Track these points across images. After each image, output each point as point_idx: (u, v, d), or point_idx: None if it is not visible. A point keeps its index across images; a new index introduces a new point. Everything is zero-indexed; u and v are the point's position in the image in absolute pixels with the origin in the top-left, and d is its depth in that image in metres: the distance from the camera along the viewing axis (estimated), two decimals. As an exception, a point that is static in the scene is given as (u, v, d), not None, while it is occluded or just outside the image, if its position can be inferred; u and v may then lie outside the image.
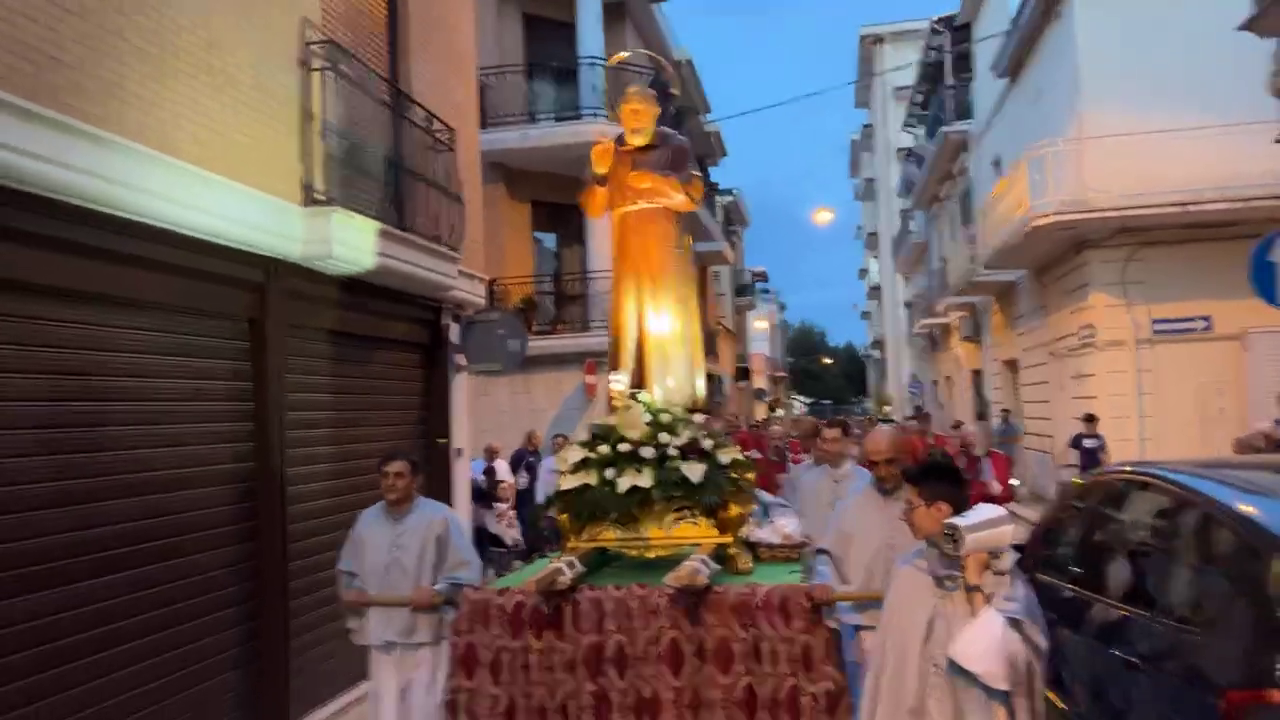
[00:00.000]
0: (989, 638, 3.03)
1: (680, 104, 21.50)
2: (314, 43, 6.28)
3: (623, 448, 4.68)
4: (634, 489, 4.59)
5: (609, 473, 4.64)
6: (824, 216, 27.88)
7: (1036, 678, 3.06)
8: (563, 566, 4.34)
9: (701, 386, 5.22)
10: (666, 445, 4.66)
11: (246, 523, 5.81)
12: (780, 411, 21.45)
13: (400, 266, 7.03)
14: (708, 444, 4.73)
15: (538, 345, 13.60)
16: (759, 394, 41.07)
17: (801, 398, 71.51)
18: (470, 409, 9.58)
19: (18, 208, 4.12)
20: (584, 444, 4.85)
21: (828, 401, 70.79)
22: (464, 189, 8.48)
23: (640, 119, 5.12)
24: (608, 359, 5.25)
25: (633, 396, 4.93)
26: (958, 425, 18.06)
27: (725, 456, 4.72)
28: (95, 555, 4.68)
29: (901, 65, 31.06)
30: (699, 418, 4.89)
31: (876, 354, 56.44)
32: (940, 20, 22.99)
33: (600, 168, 5.14)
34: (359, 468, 6.87)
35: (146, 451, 5.05)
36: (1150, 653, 3.64)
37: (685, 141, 5.32)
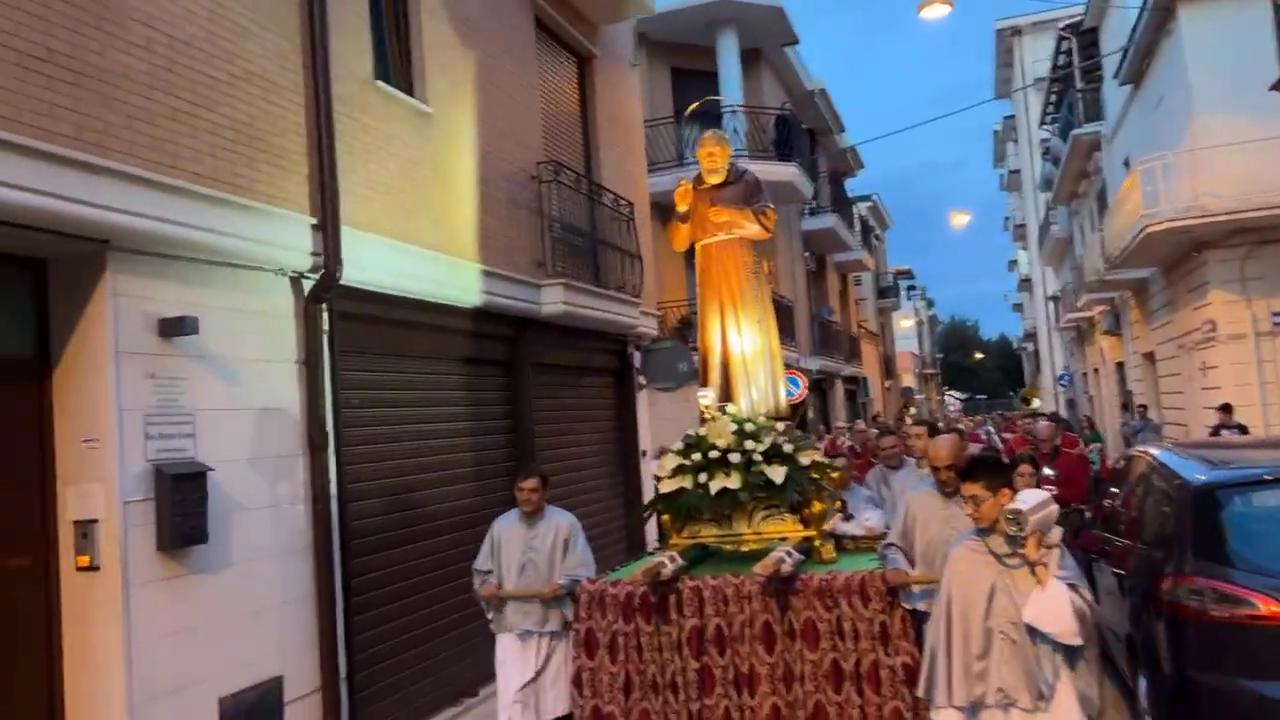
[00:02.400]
0: (1060, 603, 3.55)
1: (815, 125, 23.48)
2: (542, 162, 8.86)
3: (712, 455, 5.18)
4: (724, 491, 5.09)
5: (701, 477, 5.17)
6: (961, 219, 29.13)
7: (1095, 629, 3.68)
8: (665, 560, 4.88)
9: (783, 396, 5.81)
10: (751, 451, 5.15)
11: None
12: (914, 410, 22.77)
13: (601, 315, 9.52)
14: (788, 448, 5.24)
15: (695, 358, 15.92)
16: (906, 392, 42.20)
17: (955, 394, 71.12)
18: (649, 418, 12.02)
19: (390, 305, 6.75)
20: (679, 452, 5.36)
21: (983, 396, 70.05)
22: (640, 242, 10.93)
23: (715, 160, 5.66)
24: (699, 375, 5.84)
25: (721, 409, 5.47)
26: (1032, 418, 18.39)
27: (805, 459, 5.27)
28: (429, 524, 7.28)
29: (1038, 63, 31.78)
30: (781, 424, 5.47)
31: (1030, 346, 55.97)
32: (1068, 26, 23.99)
33: (682, 205, 5.70)
34: (579, 464, 9.43)
35: (450, 456, 7.65)
36: (1133, 568, 5.61)
37: (755, 177, 5.86)
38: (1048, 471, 8.39)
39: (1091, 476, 9.86)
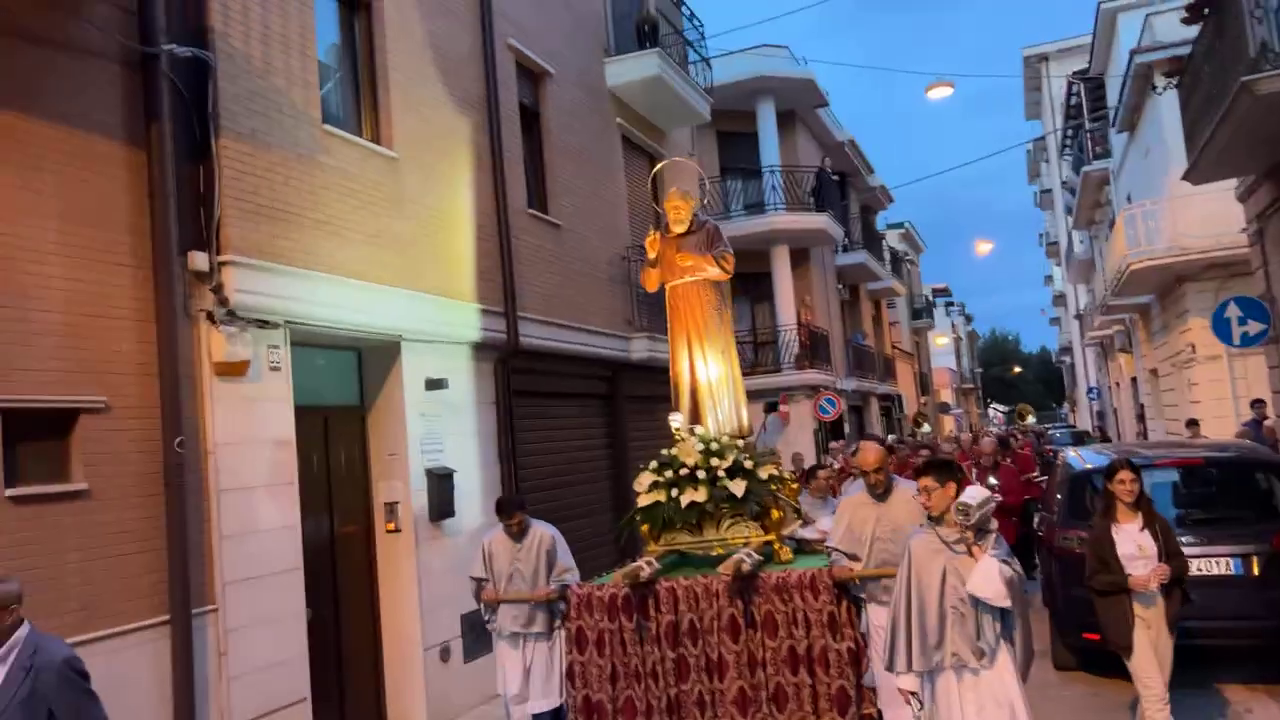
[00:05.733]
0: (991, 573, 4.22)
1: (847, 169, 26.56)
2: (630, 246, 12.14)
3: (682, 472, 5.87)
4: (692, 503, 5.78)
5: (673, 491, 5.85)
6: (984, 248, 31.94)
7: (1024, 594, 4.40)
8: (643, 565, 5.54)
9: (745, 417, 6.51)
10: (716, 468, 5.80)
11: (615, 498, 11.60)
12: (926, 427, 25.34)
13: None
14: (749, 464, 5.88)
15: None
16: (943, 408, 44.89)
17: (999, 406, 73.28)
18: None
19: (541, 359, 9.97)
20: (653, 470, 6.06)
21: (1024, 409, 71.71)
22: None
23: (680, 212, 6.39)
24: (671, 401, 6.52)
25: (690, 431, 6.09)
26: (976, 438, 16.99)
27: (764, 473, 5.96)
28: (570, 505, 10.46)
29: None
30: (742, 442, 6.16)
31: (1067, 360, 58.12)
32: (1076, 73, 26.91)
33: (651, 253, 6.45)
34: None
35: (579, 464, 10.86)
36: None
37: (715, 225, 6.58)
38: (992, 481, 9.82)
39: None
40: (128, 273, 5.65)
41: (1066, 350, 54.90)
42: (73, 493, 5.20)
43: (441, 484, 8.11)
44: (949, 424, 44.10)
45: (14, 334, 5.00)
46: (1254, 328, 11.70)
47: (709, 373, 6.37)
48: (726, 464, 5.88)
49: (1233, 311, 11.86)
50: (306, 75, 7.10)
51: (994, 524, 4.46)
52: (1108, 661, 7.25)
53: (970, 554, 4.34)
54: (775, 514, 6.05)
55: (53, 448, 5.21)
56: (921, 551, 4.49)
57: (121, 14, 5.78)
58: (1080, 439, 29.92)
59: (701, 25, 14.18)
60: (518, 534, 6.53)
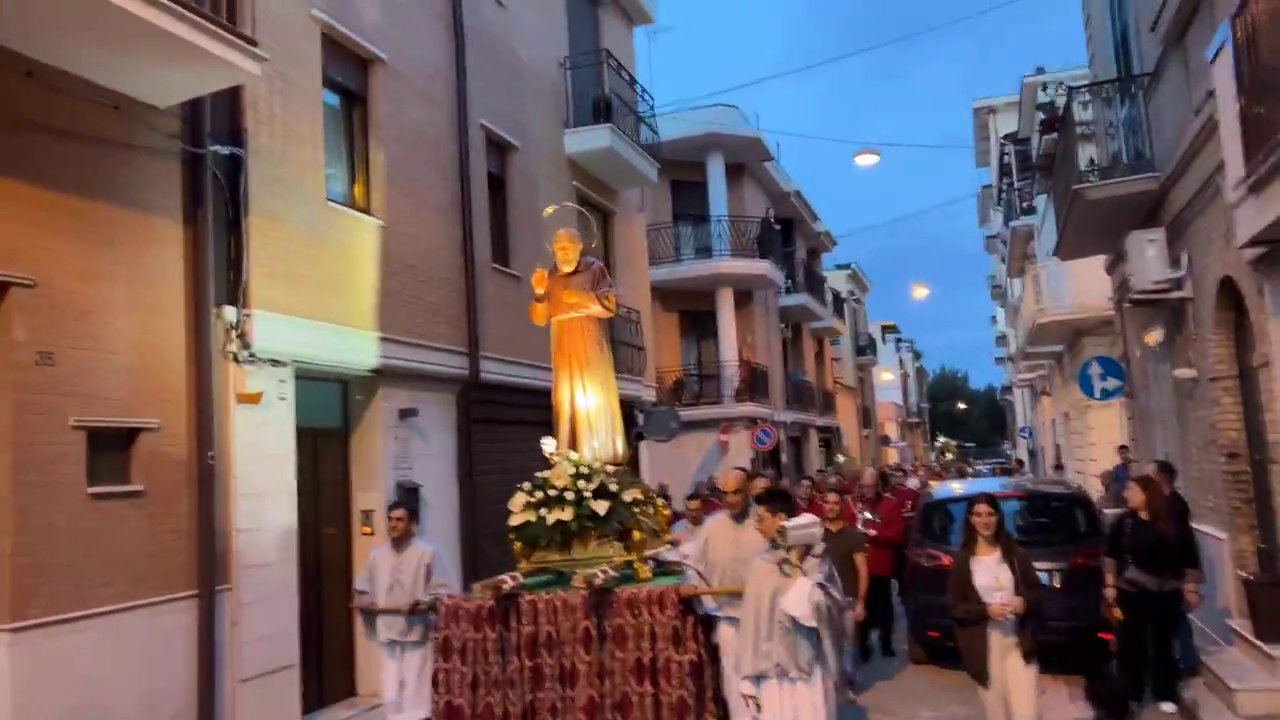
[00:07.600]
0: (801, 594, 4.74)
1: (787, 215, 28.62)
2: (581, 294, 13.95)
3: (551, 493, 6.24)
4: (558, 522, 6.14)
5: (542, 511, 6.22)
6: (921, 292, 34.24)
7: (835, 617, 4.91)
8: (506, 578, 5.97)
9: (621, 445, 6.85)
10: (583, 490, 6.12)
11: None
12: (841, 458, 27.24)
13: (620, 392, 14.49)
14: (614, 487, 6.23)
15: (686, 414, 20.71)
16: (884, 440, 47.10)
17: (946, 440, 75.83)
18: (650, 462, 16.97)
19: (503, 393, 11.71)
20: (527, 491, 6.43)
21: (970, 444, 74.58)
22: (644, 338, 15.95)
23: (567, 253, 6.82)
24: (553, 428, 6.90)
25: (565, 456, 6.50)
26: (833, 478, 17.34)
27: (629, 496, 6.33)
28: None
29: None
30: (613, 468, 6.47)
31: (1010, 398, 60.77)
32: (1006, 135, 29.29)
33: (539, 289, 6.82)
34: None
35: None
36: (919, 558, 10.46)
37: (601, 266, 6.97)
38: (868, 516, 10.56)
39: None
40: (176, 323, 7.35)
41: (1008, 389, 57.60)
42: (132, 492, 6.88)
43: (409, 496, 9.80)
44: (892, 456, 46.29)
45: (95, 371, 6.69)
46: (1112, 383, 13.74)
47: (588, 402, 6.86)
48: (593, 486, 6.34)
49: (1095, 369, 13.89)
50: (315, 162, 8.85)
51: (821, 548, 5.02)
52: (952, 654, 9.09)
53: (793, 575, 4.91)
54: (637, 535, 6.51)
55: (119, 457, 6.90)
56: (760, 570, 5.12)
57: (178, 121, 7.50)
58: (1008, 472, 32.20)
59: (652, 99, 16.09)
60: (399, 539, 6.94)
